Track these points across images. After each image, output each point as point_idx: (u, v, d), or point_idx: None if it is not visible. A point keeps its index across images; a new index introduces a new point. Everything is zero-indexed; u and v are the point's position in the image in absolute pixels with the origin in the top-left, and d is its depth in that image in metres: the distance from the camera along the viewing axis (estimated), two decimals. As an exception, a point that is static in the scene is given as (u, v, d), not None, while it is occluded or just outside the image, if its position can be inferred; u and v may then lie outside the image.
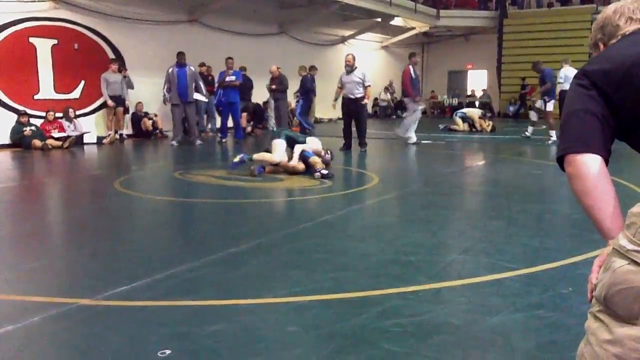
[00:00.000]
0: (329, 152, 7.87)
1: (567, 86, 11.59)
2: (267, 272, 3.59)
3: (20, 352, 2.54)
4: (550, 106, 11.73)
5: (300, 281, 3.38)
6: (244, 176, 7.25)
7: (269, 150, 7.67)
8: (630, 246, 1.28)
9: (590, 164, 1.43)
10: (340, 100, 10.96)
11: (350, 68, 10.58)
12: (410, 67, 11.57)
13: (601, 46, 1.72)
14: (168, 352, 2.45)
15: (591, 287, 1.43)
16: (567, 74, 11.18)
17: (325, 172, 7.21)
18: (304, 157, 7.53)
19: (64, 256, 4.18)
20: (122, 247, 4.29)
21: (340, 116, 11.67)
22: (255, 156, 7.47)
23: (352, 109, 10.66)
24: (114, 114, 12.09)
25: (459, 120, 15.30)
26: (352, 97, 10.58)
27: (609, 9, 1.72)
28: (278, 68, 13.33)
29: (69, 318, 2.87)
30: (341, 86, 10.72)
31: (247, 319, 2.85)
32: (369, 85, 10.75)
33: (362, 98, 10.63)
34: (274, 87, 13.24)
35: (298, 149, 7.56)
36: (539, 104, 12.12)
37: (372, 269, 3.69)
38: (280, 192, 6.79)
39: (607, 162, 1.46)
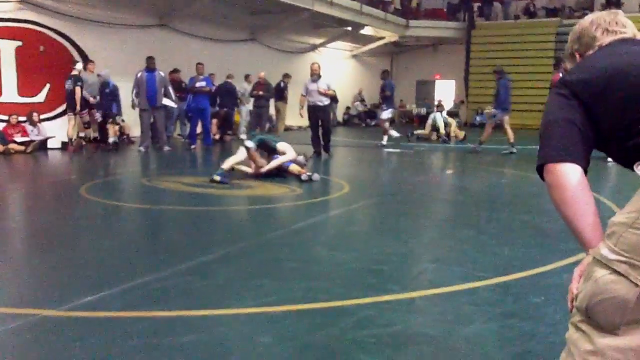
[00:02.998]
0: (302, 155, 7.94)
1: None
2: (238, 281, 3.53)
3: (-20, 366, 2.43)
4: (505, 116, 11.77)
5: (272, 291, 3.33)
6: (213, 184, 7.15)
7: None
8: (611, 255, 1.28)
9: (570, 173, 1.43)
10: (306, 108, 11.11)
11: (316, 77, 10.76)
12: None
13: (577, 57, 1.73)
14: (137, 365, 2.37)
15: (571, 296, 1.42)
16: None
17: (310, 174, 7.45)
18: (283, 167, 7.64)
19: (26, 265, 4.03)
20: (88, 256, 4.16)
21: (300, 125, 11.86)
22: (225, 166, 7.38)
23: (319, 116, 10.84)
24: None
25: (429, 122, 15.11)
26: (319, 104, 10.77)
27: (585, 21, 1.74)
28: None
29: (32, 330, 2.76)
30: (306, 94, 10.89)
31: (218, 330, 2.79)
32: (333, 91, 11.08)
33: (329, 105, 10.95)
34: (260, 93, 13.19)
35: (277, 161, 7.63)
36: (493, 112, 12.17)
37: (345, 278, 3.66)
38: (250, 200, 6.72)
39: (586, 172, 1.46)
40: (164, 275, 3.56)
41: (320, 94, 10.68)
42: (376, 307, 3.11)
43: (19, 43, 11.39)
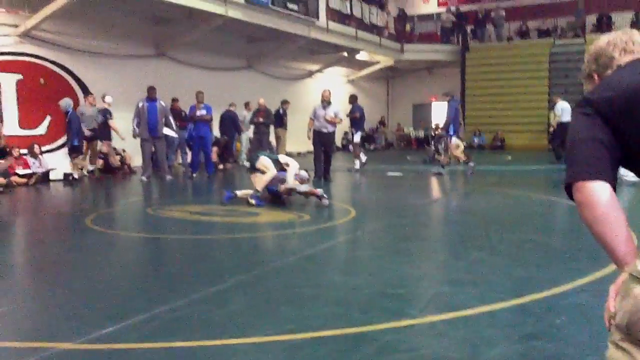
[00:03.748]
0: (305, 170, 8.12)
1: (565, 119, 12.08)
2: (255, 309, 3.49)
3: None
4: (454, 137, 11.98)
5: (289, 318, 3.29)
6: (220, 211, 7.13)
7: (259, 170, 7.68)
8: None
9: (599, 191, 1.43)
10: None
11: (326, 103, 10.92)
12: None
13: (595, 77, 1.75)
14: (161, 397, 2.33)
15: (608, 315, 1.41)
16: (563, 107, 11.58)
17: (323, 195, 7.60)
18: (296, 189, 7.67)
19: (38, 298, 3.98)
20: (101, 287, 4.11)
21: (310, 149, 11.89)
22: (260, 188, 7.52)
23: (324, 142, 10.95)
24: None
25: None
26: (324, 130, 10.89)
27: (602, 41, 1.76)
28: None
29: (51, 364, 2.72)
30: (314, 118, 10.93)
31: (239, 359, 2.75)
32: (341, 119, 11.29)
33: (334, 133, 11.12)
34: (261, 120, 13.26)
35: (290, 178, 7.65)
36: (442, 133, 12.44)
37: (362, 303, 3.62)
38: (258, 226, 6.69)
39: (614, 188, 1.46)
40: (179, 305, 3.52)
41: (327, 121, 10.77)
42: (397, 332, 3.07)
43: (20, 76, 11.46)
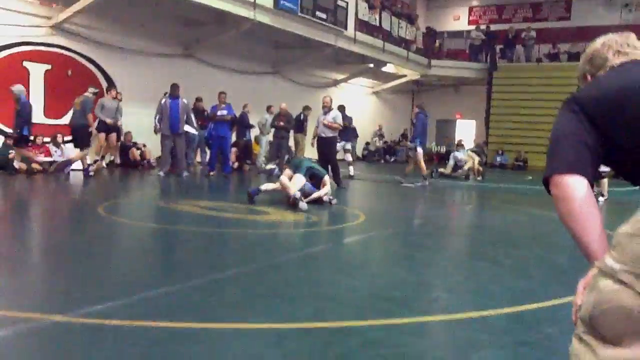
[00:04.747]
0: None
1: None
2: (248, 300, 3.51)
3: (-15, 364, 2.44)
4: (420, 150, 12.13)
5: (281, 310, 3.30)
6: (231, 208, 7.18)
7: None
8: (616, 266, 1.27)
9: (576, 186, 1.44)
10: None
11: (327, 109, 11.13)
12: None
13: (588, 77, 1.76)
14: (141, 371, 2.36)
15: (576, 308, 1.41)
16: None
17: (331, 197, 7.86)
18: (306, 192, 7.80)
19: (40, 275, 4.07)
20: (101, 269, 4.18)
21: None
22: (276, 186, 7.80)
23: (323, 148, 11.19)
24: (105, 140, 11.98)
25: (451, 162, 15.11)
26: (323, 135, 11.13)
27: (597, 43, 1.77)
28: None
29: (39, 333, 2.77)
30: (317, 125, 11.31)
31: (223, 343, 2.76)
32: (340, 125, 11.40)
33: (334, 138, 11.24)
34: (281, 124, 13.34)
35: (320, 192, 7.87)
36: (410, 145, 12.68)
37: (356, 301, 3.62)
38: (265, 224, 6.71)
39: (592, 185, 1.46)
40: (172, 290, 3.56)
41: (325, 125, 10.97)
42: (386, 329, 3.06)
43: (48, 67, 11.71)
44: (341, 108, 13.73)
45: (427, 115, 12.47)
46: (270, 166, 13.41)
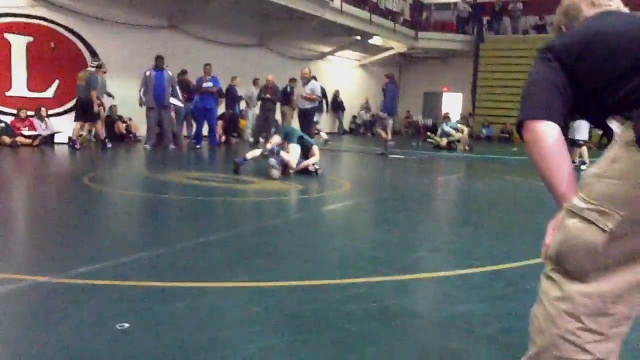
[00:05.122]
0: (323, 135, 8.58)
1: None
2: (233, 260, 3.56)
3: (-28, 320, 2.47)
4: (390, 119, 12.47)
5: (265, 269, 3.36)
6: (217, 178, 7.20)
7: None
8: (583, 204, 1.32)
9: (548, 131, 1.48)
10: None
11: (305, 80, 11.32)
12: None
13: (563, 29, 1.79)
14: (126, 325, 2.40)
15: (545, 249, 1.46)
16: None
17: (317, 167, 7.93)
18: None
19: (25, 240, 4.09)
20: (86, 235, 4.21)
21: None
22: (261, 151, 7.97)
23: (300, 119, 11.44)
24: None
25: (444, 139, 15.17)
26: (301, 107, 11.39)
27: None
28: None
29: (26, 293, 2.81)
30: (295, 98, 11.66)
31: (209, 299, 2.82)
32: (319, 96, 11.70)
33: (311, 109, 11.45)
34: (268, 96, 13.26)
35: (308, 161, 8.02)
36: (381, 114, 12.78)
37: (339, 261, 3.69)
38: (251, 192, 6.75)
39: (564, 132, 1.51)
40: (158, 253, 3.60)
41: (303, 97, 11.12)
42: (366, 286, 3.13)
43: (30, 39, 11.53)
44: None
45: (397, 86, 12.64)
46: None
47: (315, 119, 13.69)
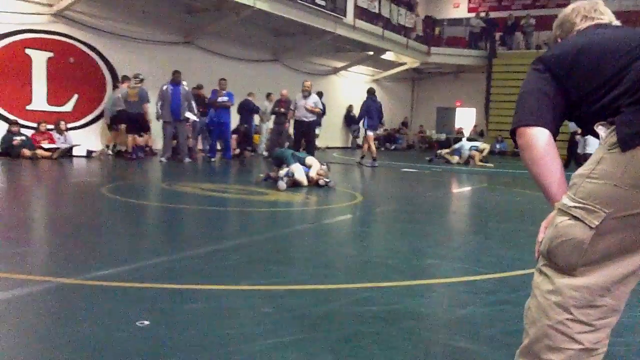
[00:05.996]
0: (325, 164, 8.58)
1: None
2: (247, 266, 3.68)
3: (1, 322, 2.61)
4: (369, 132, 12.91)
5: (278, 274, 3.48)
6: (232, 190, 7.35)
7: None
8: (571, 203, 1.43)
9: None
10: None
11: (307, 93, 11.61)
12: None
13: (559, 41, 1.91)
14: (147, 322, 2.53)
15: (538, 245, 1.58)
16: None
17: (328, 180, 8.03)
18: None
19: (49, 245, 4.26)
20: (107, 240, 4.36)
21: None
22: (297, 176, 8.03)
23: (303, 131, 11.70)
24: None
25: (455, 157, 15.02)
26: (304, 119, 11.62)
27: (568, 9, 1.93)
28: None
29: (50, 293, 2.95)
30: (294, 109, 11.73)
31: (224, 300, 2.94)
32: (320, 109, 12.00)
33: (314, 122, 11.83)
34: (282, 110, 13.41)
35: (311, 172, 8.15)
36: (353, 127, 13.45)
37: (350, 267, 3.80)
38: (264, 203, 6.88)
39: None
40: (175, 258, 3.74)
41: (307, 110, 11.40)
42: (375, 290, 3.24)
43: (51, 54, 11.83)
44: (319, 94, 14.07)
45: (373, 100, 12.86)
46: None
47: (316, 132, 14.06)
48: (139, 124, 11.76)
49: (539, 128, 1.60)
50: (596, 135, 1.57)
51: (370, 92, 12.96)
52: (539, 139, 1.59)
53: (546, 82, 1.66)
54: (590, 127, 1.62)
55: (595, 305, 1.43)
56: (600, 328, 1.46)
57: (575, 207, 1.42)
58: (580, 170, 1.46)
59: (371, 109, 12.60)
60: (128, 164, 10.98)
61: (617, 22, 1.86)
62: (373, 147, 12.86)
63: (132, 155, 11.65)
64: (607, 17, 1.85)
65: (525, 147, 1.62)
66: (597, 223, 1.37)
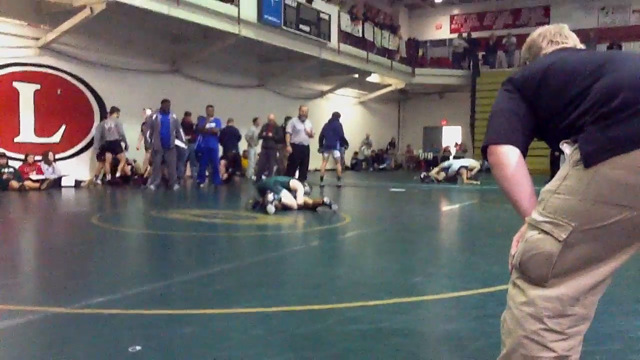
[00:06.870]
0: (306, 185, 8.65)
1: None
2: (237, 289, 3.73)
3: (-6, 348, 2.64)
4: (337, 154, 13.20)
5: (267, 296, 3.53)
6: (221, 215, 7.40)
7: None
8: (540, 218, 1.52)
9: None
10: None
11: (305, 117, 12.05)
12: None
13: (526, 64, 2.02)
14: (138, 348, 2.57)
15: (511, 259, 1.66)
16: None
17: (331, 201, 8.11)
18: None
19: (39, 275, 4.27)
20: (97, 269, 4.39)
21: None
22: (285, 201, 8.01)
23: (304, 154, 12.07)
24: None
25: (442, 174, 15.13)
26: (305, 143, 12.00)
27: (535, 33, 2.04)
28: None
29: (42, 323, 2.98)
30: (292, 132, 11.94)
31: (214, 324, 2.99)
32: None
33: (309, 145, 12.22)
34: (270, 134, 13.51)
35: (299, 196, 8.18)
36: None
37: (338, 288, 3.85)
38: (254, 227, 6.93)
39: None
40: (166, 284, 3.78)
41: (307, 133, 11.81)
42: (363, 309, 3.29)
43: (38, 86, 11.92)
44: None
45: (331, 121, 13.05)
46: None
47: None
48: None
49: (509, 146, 1.69)
50: (563, 153, 1.66)
51: (334, 115, 13.14)
52: (509, 157, 1.68)
53: (515, 102, 1.75)
54: (557, 144, 1.71)
55: (567, 315, 1.50)
56: (572, 336, 1.53)
57: (544, 221, 1.50)
58: (548, 186, 1.55)
59: (327, 130, 12.91)
60: (117, 193, 11.00)
61: (581, 46, 1.97)
62: (322, 169, 13.20)
63: (114, 178, 12.09)
64: (572, 41, 1.96)
65: (496, 164, 1.71)
66: (564, 236, 1.45)
